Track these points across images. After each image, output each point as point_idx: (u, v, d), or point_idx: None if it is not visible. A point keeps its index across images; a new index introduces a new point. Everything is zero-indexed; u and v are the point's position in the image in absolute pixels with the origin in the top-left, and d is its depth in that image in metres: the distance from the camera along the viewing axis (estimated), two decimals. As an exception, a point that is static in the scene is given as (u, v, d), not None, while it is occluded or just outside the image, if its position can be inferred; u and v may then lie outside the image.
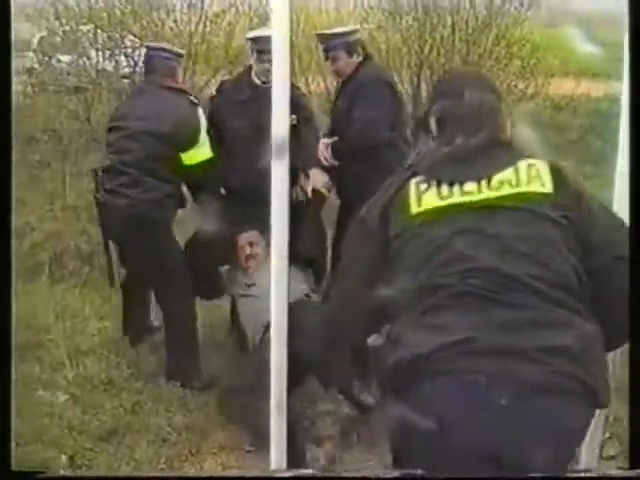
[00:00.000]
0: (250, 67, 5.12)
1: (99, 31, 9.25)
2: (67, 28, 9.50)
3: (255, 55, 5.01)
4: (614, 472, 2.11)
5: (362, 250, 2.45)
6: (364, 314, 2.37)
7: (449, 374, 2.13)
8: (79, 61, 9.29)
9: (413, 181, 2.36)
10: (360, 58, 5.02)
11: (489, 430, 2.10)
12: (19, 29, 10.07)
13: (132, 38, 9.22)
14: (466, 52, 8.61)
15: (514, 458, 2.09)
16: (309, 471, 2.08)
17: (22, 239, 7.19)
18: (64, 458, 3.90)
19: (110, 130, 4.80)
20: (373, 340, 2.31)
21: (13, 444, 1.85)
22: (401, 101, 5.17)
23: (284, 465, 2.32)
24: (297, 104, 4.77)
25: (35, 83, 10.27)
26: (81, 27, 9.49)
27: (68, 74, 9.58)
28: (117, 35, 9.10)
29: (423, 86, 8.66)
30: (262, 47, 4.85)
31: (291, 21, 2.29)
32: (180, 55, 4.98)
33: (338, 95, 5.28)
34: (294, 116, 4.97)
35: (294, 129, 4.92)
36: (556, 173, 2.31)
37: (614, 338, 2.23)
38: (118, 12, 9.22)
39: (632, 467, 1.97)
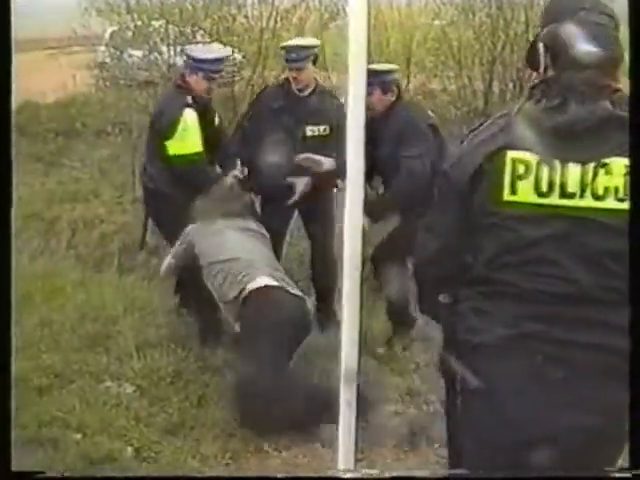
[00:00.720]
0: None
1: (170, 26, 9.30)
2: (139, 23, 9.58)
3: (287, 64, 5.36)
4: (614, 472, 2.06)
5: (447, 209, 2.31)
6: (443, 272, 2.37)
7: (507, 358, 2.19)
8: (150, 56, 9.36)
9: (510, 155, 2.15)
10: (394, 98, 5.03)
11: (538, 402, 2.15)
12: (91, 23, 10.21)
13: (203, 33, 9.26)
14: (540, 49, 8.44)
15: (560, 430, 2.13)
16: (375, 471, 2.03)
17: (91, 230, 7.28)
18: (130, 450, 3.89)
19: None
20: (443, 298, 2.35)
21: (13, 444, 1.83)
22: (443, 140, 5.01)
23: (352, 465, 2.27)
24: (335, 111, 5.02)
25: (106, 77, 10.41)
26: (153, 22, 9.56)
27: (139, 68, 9.66)
28: (188, 30, 9.15)
29: (495, 83, 8.55)
30: (288, 56, 5.24)
31: (369, 20, 2.25)
32: (213, 60, 5.25)
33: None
34: (325, 126, 5.12)
35: (324, 138, 5.17)
36: None
37: None
38: (189, 7, 9.27)
39: (632, 467, 1.91)
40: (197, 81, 5.09)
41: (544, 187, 2.12)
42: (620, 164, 2.09)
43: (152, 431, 4.04)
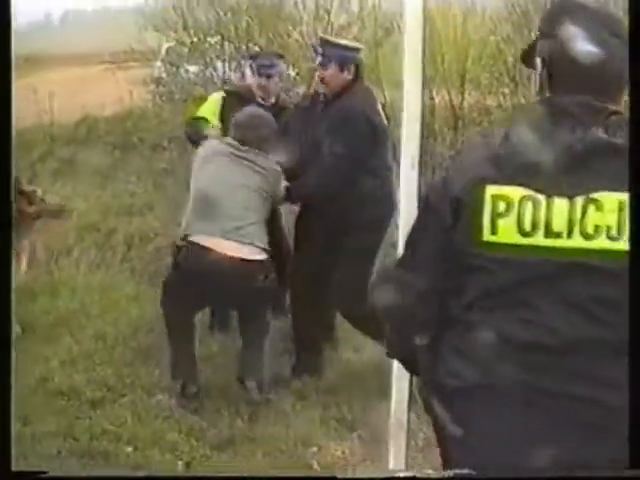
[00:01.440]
0: None
1: (226, 42, 9.41)
2: (195, 39, 9.71)
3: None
4: (614, 472, 1.98)
5: (430, 243, 2.06)
6: (424, 316, 2.10)
7: (485, 405, 2.00)
8: (206, 72, 9.48)
9: (489, 191, 1.93)
10: (350, 77, 4.77)
11: (517, 450, 1.94)
12: (147, 39, 10.35)
13: (258, 50, 9.34)
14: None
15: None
16: (428, 471, 2.00)
17: (146, 244, 7.34)
18: (180, 464, 3.90)
19: None
20: (420, 340, 2.11)
21: (13, 444, 1.83)
22: (382, 129, 4.78)
23: (402, 466, 2.26)
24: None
25: (162, 92, 10.54)
26: (208, 38, 9.69)
27: (195, 84, 9.78)
28: (243, 47, 9.24)
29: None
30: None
31: (424, 34, 2.26)
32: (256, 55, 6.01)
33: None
34: None
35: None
36: None
37: None
38: (245, 24, 9.36)
39: (632, 467, 1.84)
40: (251, 77, 5.52)
41: (527, 226, 1.92)
42: (613, 199, 1.88)
43: (202, 445, 4.05)
